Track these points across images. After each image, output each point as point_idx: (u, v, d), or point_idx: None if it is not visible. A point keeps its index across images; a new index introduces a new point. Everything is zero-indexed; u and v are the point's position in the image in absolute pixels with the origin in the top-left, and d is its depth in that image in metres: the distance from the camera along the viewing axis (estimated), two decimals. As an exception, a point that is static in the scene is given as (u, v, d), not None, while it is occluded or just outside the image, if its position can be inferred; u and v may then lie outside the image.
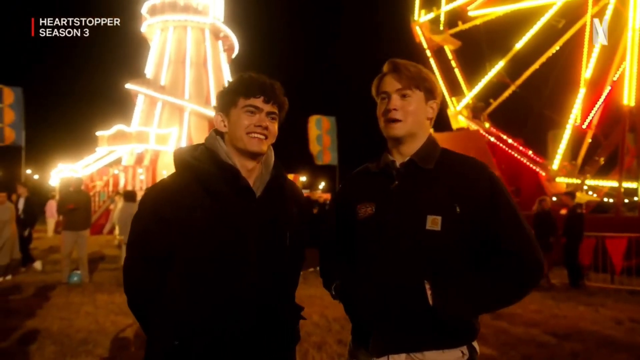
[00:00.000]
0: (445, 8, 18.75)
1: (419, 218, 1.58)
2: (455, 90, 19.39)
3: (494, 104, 18.85)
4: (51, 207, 19.57)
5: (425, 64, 16.25)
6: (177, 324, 1.61)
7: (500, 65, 17.89)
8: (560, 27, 17.12)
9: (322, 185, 35.44)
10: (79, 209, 8.81)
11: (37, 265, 10.52)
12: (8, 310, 6.56)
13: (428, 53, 19.12)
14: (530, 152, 17.40)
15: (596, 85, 16.64)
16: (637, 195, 14.26)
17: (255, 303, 1.63)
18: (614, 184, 14.83)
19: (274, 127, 1.73)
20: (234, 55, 38.95)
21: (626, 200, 15.66)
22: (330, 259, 1.86)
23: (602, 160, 16.06)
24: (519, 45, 17.32)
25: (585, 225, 9.27)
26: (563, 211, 11.19)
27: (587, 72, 15.69)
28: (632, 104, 13.48)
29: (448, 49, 19.52)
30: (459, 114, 18.46)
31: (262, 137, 1.68)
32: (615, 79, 16.62)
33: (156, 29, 35.83)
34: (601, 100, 16.80)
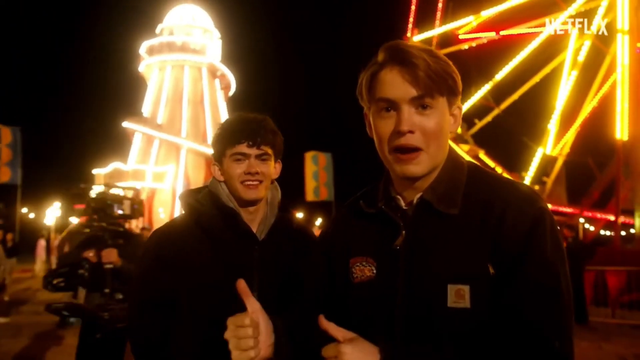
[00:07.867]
0: (437, 30, 19.35)
1: (436, 290, 1.05)
2: None
3: (479, 124, 19.37)
4: (41, 246, 19.27)
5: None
6: None
7: (485, 88, 18.46)
8: (544, 58, 17.89)
9: (318, 221, 35.36)
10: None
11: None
12: (3, 354, 6.42)
13: None
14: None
15: (570, 116, 17.48)
16: (634, 228, 14.30)
17: None
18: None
19: (267, 167, 1.64)
20: (231, 93, 39.51)
21: (623, 233, 15.67)
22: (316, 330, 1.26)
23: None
24: (498, 76, 18.08)
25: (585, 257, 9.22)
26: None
27: (559, 102, 16.68)
28: (625, 138, 13.69)
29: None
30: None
31: (255, 183, 1.61)
32: (588, 111, 17.45)
33: (154, 68, 36.44)
34: (573, 129, 17.56)
